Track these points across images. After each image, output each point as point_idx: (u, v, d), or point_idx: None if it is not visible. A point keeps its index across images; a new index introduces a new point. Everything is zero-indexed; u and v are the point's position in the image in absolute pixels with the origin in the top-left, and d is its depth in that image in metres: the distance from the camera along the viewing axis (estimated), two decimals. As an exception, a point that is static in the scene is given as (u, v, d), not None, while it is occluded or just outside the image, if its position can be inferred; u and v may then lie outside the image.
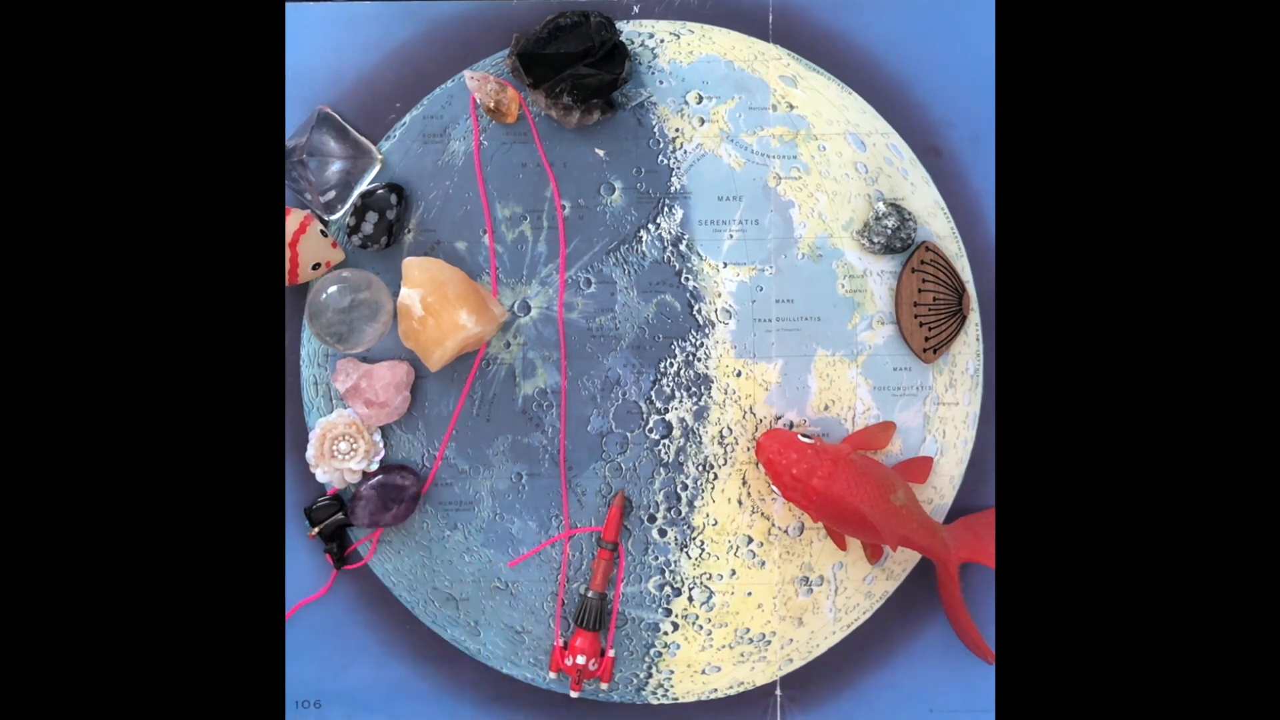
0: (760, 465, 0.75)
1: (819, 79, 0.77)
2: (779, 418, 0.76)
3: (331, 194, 0.74)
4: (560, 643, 0.76)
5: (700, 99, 0.76)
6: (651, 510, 0.76)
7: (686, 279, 0.76)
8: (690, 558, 0.76)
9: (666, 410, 0.76)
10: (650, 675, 0.76)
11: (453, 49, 0.76)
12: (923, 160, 0.76)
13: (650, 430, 0.76)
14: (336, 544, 0.75)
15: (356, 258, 0.76)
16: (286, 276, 0.72)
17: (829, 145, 0.76)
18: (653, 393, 0.76)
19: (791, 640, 0.76)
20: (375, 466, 0.75)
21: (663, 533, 0.76)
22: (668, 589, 0.76)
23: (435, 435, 0.76)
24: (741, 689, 0.77)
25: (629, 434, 0.76)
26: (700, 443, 0.76)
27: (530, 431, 0.76)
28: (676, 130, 0.76)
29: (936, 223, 0.76)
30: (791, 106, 0.76)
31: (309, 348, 0.76)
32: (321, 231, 0.74)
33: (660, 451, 0.76)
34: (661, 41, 0.76)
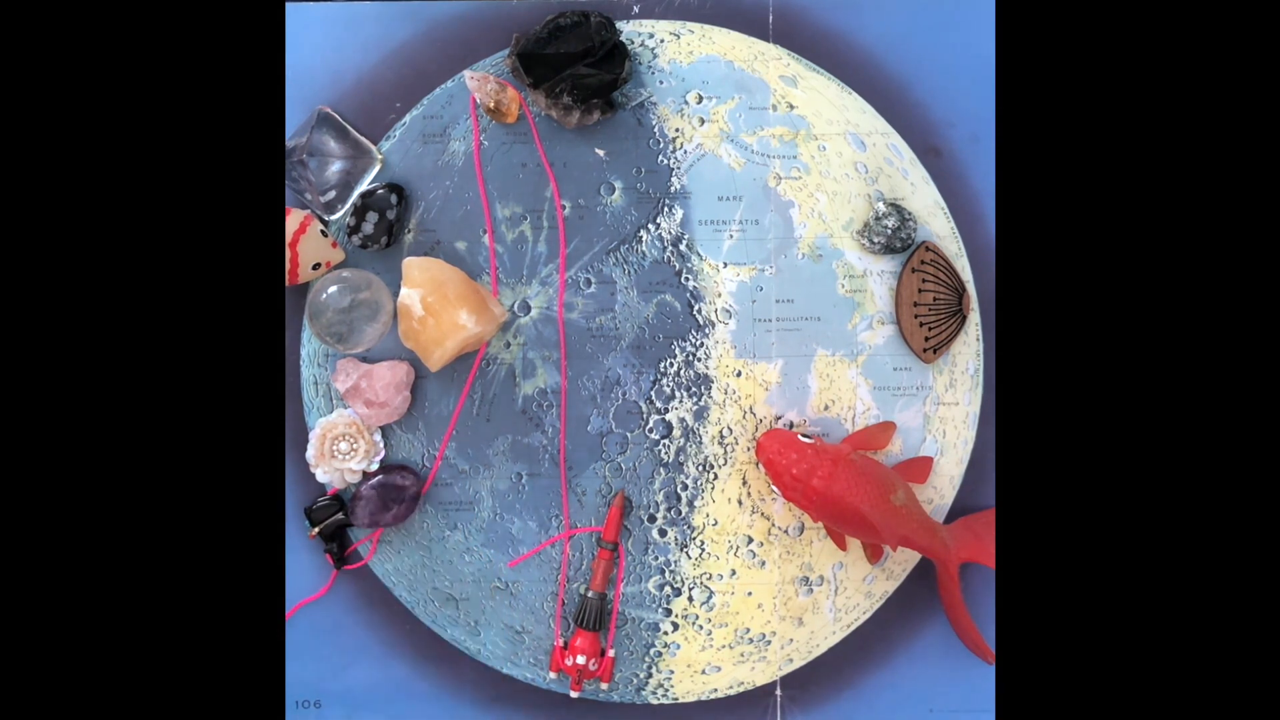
0: (760, 465, 0.75)
1: (819, 79, 0.77)
2: (779, 418, 0.76)
3: (331, 194, 0.74)
4: (560, 643, 0.76)
5: (700, 99, 0.76)
6: (651, 510, 0.76)
7: (686, 279, 0.76)
8: (690, 558, 0.76)
9: (666, 410, 0.76)
10: (650, 675, 0.76)
11: (453, 49, 0.76)
12: (923, 160, 0.76)
13: (650, 430, 0.76)
14: (336, 544, 0.75)
15: (356, 258, 0.76)
16: (286, 276, 0.72)
17: (829, 145, 0.76)
18: (653, 393, 0.76)
19: (791, 640, 0.76)
20: (375, 466, 0.75)
21: (663, 533, 0.76)
22: (668, 589, 0.76)
23: (435, 435, 0.76)
24: (741, 689, 0.77)
25: (629, 434, 0.76)
26: (700, 443, 0.76)
27: (530, 431, 0.76)
28: (676, 130, 0.76)
29: (936, 223, 0.76)
30: (791, 106, 0.76)
31: (309, 348, 0.76)
32: (321, 231, 0.74)
33: (660, 451, 0.76)
34: (661, 41, 0.76)
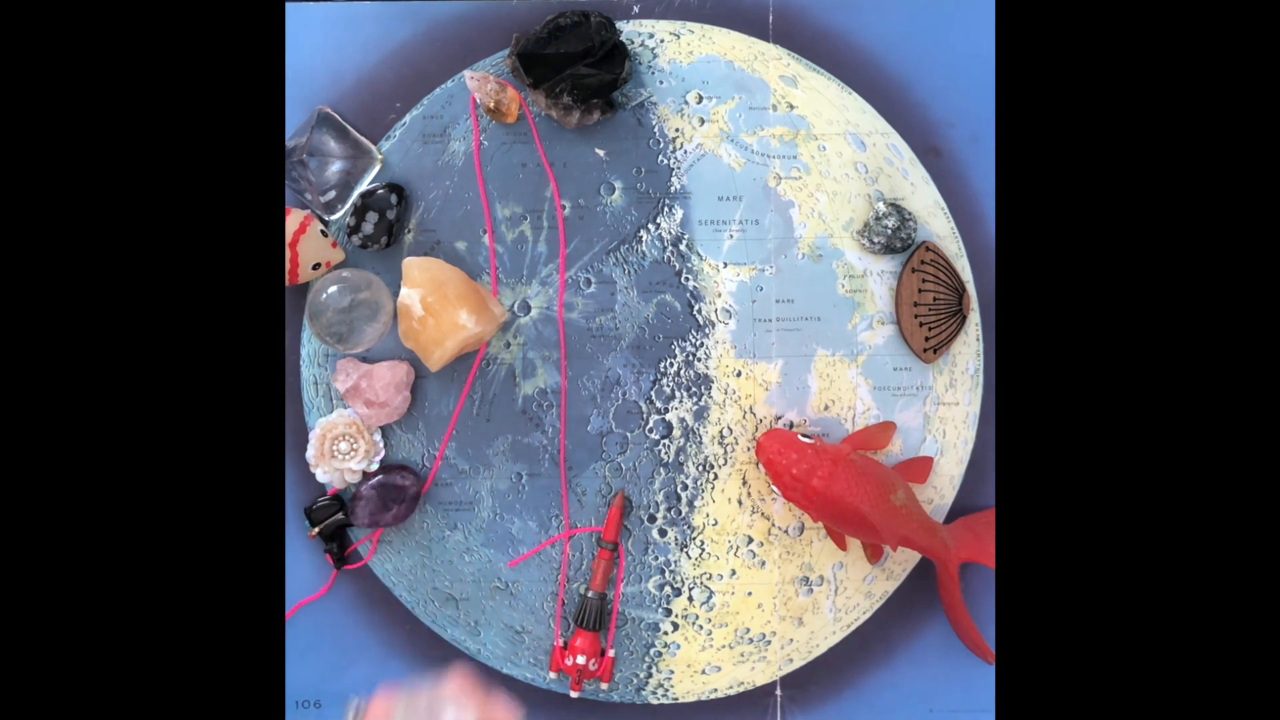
0: (760, 465, 0.75)
1: (819, 79, 0.77)
2: (779, 418, 0.76)
3: (331, 194, 0.74)
4: (560, 643, 0.76)
5: (700, 99, 0.76)
6: (651, 510, 0.76)
7: (686, 279, 0.76)
8: (690, 558, 0.76)
9: (666, 410, 0.76)
10: (650, 675, 0.76)
11: (453, 49, 0.76)
12: (923, 160, 0.76)
13: (650, 430, 0.76)
14: (336, 544, 0.75)
15: (356, 258, 0.76)
16: (286, 276, 0.72)
17: (829, 145, 0.76)
18: (653, 393, 0.76)
19: (791, 640, 0.76)
20: (375, 466, 0.75)
21: (663, 533, 0.76)
22: (668, 589, 0.76)
23: (435, 435, 0.76)
24: (741, 689, 0.77)
25: (629, 434, 0.76)
26: (700, 443, 0.76)
27: (530, 431, 0.76)
28: (676, 130, 0.76)
29: (936, 223, 0.76)
30: (791, 106, 0.76)
31: (309, 348, 0.76)
32: (321, 231, 0.74)
33: (660, 451, 0.76)
34: (661, 41, 0.76)
